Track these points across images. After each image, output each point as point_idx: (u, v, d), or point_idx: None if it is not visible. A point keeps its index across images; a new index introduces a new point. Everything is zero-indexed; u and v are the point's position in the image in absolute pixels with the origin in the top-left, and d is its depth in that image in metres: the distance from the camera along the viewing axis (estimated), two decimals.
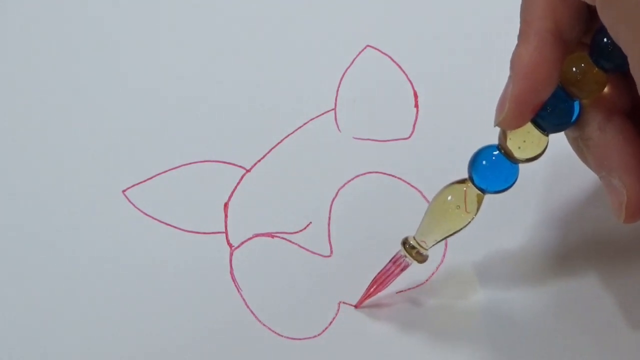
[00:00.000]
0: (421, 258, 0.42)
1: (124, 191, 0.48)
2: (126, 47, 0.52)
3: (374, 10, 0.52)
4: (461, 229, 0.41)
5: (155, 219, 0.47)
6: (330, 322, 0.44)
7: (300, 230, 0.46)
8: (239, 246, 0.46)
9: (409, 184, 0.47)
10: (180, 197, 0.47)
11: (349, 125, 0.49)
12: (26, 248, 0.46)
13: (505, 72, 0.49)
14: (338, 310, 0.44)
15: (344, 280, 0.45)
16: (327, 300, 0.44)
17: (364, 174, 0.48)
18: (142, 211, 0.47)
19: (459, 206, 0.40)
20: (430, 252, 0.42)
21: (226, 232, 0.46)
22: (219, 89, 0.50)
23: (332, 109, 0.49)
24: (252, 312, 0.44)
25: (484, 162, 0.39)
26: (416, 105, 0.49)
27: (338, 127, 0.49)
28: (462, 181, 0.40)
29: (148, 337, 0.44)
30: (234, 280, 0.45)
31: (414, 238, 0.42)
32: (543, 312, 0.43)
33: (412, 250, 0.42)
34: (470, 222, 0.41)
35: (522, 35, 0.36)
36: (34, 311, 0.45)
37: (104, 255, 0.46)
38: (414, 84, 0.50)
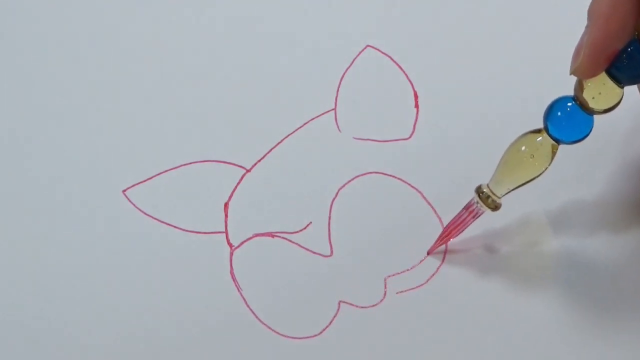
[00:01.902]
0: (494, 205, 0.42)
1: (124, 191, 0.48)
2: (126, 48, 0.51)
3: (374, 10, 0.52)
4: (534, 178, 0.41)
5: (155, 219, 0.47)
6: (331, 322, 0.44)
7: (301, 230, 0.46)
8: (239, 246, 0.46)
9: (408, 184, 0.47)
10: (180, 197, 0.47)
11: (349, 125, 0.49)
12: (26, 248, 0.46)
13: (506, 72, 0.50)
14: (338, 309, 0.44)
15: (344, 279, 0.45)
16: (327, 299, 0.44)
17: (364, 174, 0.48)
18: (142, 211, 0.47)
19: (532, 155, 0.40)
20: (430, 252, 0.42)
21: (226, 232, 0.46)
22: (219, 89, 0.50)
23: (332, 109, 0.49)
24: (252, 311, 0.44)
25: (559, 113, 0.39)
26: (416, 105, 0.49)
27: (338, 127, 0.49)
28: (537, 131, 0.40)
29: (148, 336, 0.44)
30: (234, 279, 0.45)
31: (487, 186, 0.42)
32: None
33: (486, 198, 0.42)
34: (544, 171, 0.41)
35: None
36: (34, 311, 0.45)
37: (104, 255, 0.46)
38: (414, 84, 0.50)
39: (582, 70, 0.37)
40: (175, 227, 0.47)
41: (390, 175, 0.47)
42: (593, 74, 0.37)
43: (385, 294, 0.44)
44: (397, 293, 0.44)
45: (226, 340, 0.44)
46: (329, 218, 0.46)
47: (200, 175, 0.48)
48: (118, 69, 0.51)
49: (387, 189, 0.47)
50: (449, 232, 0.44)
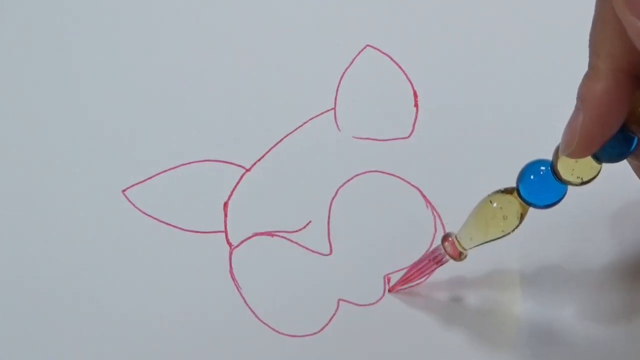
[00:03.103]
0: (459, 257, 0.42)
1: (124, 191, 0.48)
2: (126, 47, 0.52)
3: (374, 10, 0.52)
4: (502, 237, 0.40)
5: (155, 219, 0.47)
6: (330, 320, 0.44)
7: (300, 229, 0.46)
8: (238, 245, 0.46)
9: (408, 183, 0.47)
10: (180, 196, 0.47)
11: (349, 124, 0.49)
12: (26, 248, 0.46)
13: (505, 72, 0.50)
14: (337, 307, 0.44)
15: (344, 278, 0.45)
16: (327, 298, 0.44)
17: (364, 173, 0.48)
18: (142, 211, 0.47)
19: (503, 214, 0.40)
20: (391, 290, 0.42)
21: (226, 231, 0.46)
22: (219, 89, 0.50)
23: (332, 109, 0.49)
24: (251, 310, 0.44)
25: (531, 177, 0.39)
26: (416, 105, 0.49)
27: (338, 126, 0.49)
28: (509, 191, 0.40)
29: (148, 335, 0.44)
30: (233, 279, 0.45)
31: (456, 237, 0.41)
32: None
33: (451, 248, 0.42)
34: (512, 231, 0.40)
35: (593, 69, 0.36)
36: (34, 311, 0.45)
37: (104, 255, 0.46)
38: (413, 83, 0.50)
39: (576, 155, 0.37)
40: (175, 226, 0.47)
41: (390, 174, 0.47)
42: (585, 156, 0.37)
43: (384, 292, 0.44)
44: (396, 291, 0.44)
45: (226, 339, 0.44)
46: (329, 217, 0.46)
47: (200, 174, 0.48)
48: (118, 69, 0.51)
49: (387, 188, 0.47)
50: (411, 274, 0.43)
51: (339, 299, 0.44)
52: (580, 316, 0.44)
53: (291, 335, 0.44)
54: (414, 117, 0.49)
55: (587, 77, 0.36)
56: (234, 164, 0.48)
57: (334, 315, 0.44)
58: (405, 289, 0.44)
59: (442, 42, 0.51)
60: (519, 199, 0.39)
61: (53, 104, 0.50)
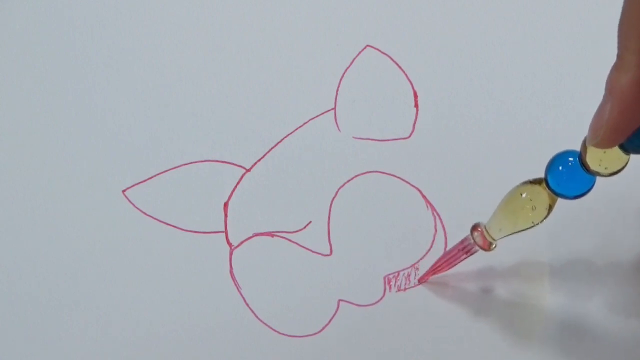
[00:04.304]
0: (488, 248, 0.42)
1: (124, 191, 0.48)
2: (127, 48, 0.52)
3: (374, 10, 0.52)
4: (530, 227, 0.41)
5: (155, 219, 0.47)
6: (330, 320, 0.44)
7: (300, 230, 0.46)
8: (238, 245, 0.46)
9: (408, 183, 0.47)
10: (180, 197, 0.47)
11: (349, 125, 0.49)
12: (26, 248, 0.46)
13: (506, 72, 0.50)
14: (337, 308, 0.44)
15: (344, 278, 0.45)
16: (327, 298, 0.44)
17: (364, 173, 0.48)
18: (142, 211, 0.47)
19: (531, 205, 0.40)
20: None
21: (226, 232, 0.46)
22: (219, 89, 0.50)
23: (332, 109, 0.49)
24: (251, 310, 0.44)
25: (560, 167, 0.39)
26: (416, 105, 0.49)
27: (338, 126, 0.49)
28: (538, 181, 0.40)
29: (148, 335, 0.44)
30: (233, 279, 0.45)
31: (485, 228, 0.42)
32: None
33: (480, 238, 0.42)
34: (540, 222, 0.40)
35: (622, 61, 0.36)
36: (34, 310, 0.45)
37: (104, 255, 0.46)
38: (413, 83, 0.50)
39: (602, 145, 0.37)
40: (175, 226, 0.47)
41: (390, 175, 0.47)
42: (611, 146, 0.37)
43: (384, 292, 0.44)
44: (396, 291, 0.44)
45: (226, 339, 0.44)
46: (329, 217, 0.46)
47: (200, 175, 0.48)
48: (118, 69, 0.51)
49: (387, 188, 0.47)
50: (440, 264, 0.44)
51: (339, 299, 0.44)
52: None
53: (291, 336, 0.44)
54: (414, 117, 0.49)
55: (615, 68, 0.36)
56: (234, 164, 0.48)
57: (334, 315, 0.44)
58: (427, 278, 0.45)
59: (442, 42, 0.51)
60: (547, 189, 0.39)
61: (53, 105, 0.50)
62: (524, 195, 0.40)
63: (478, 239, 0.42)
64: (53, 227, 0.47)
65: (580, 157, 0.38)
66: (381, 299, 0.44)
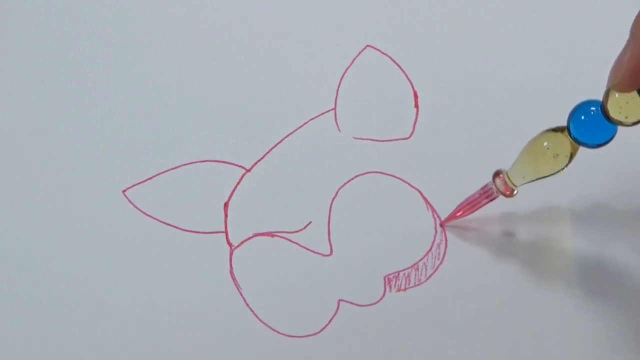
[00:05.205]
0: (510, 193, 0.43)
1: (124, 191, 0.48)
2: (127, 48, 0.52)
3: (374, 10, 0.52)
4: (552, 174, 0.41)
5: (155, 219, 0.47)
6: (330, 320, 0.44)
7: (300, 230, 0.46)
8: (239, 245, 0.46)
9: (408, 183, 0.47)
10: (180, 197, 0.47)
11: (349, 125, 0.49)
12: (26, 248, 0.46)
13: (505, 73, 0.50)
14: (338, 308, 0.44)
15: (344, 278, 0.45)
16: (327, 298, 0.44)
17: (364, 173, 0.48)
18: (142, 211, 0.47)
19: (554, 152, 0.41)
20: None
21: (226, 232, 0.46)
22: (219, 89, 0.50)
23: (332, 109, 0.49)
24: (252, 310, 0.44)
25: (582, 117, 0.40)
26: (416, 105, 0.49)
27: (338, 127, 0.49)
28: (560, 129, 0.41)
29: (148, 335, 0.44)
30: (233, 279, 0.45)
31: (506, 173, 0.42)
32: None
33: (502, 184, 0.43)
34: (562, 169, 0.41)
35: None
36: (34, 310, 0.45)
37: (104, 255, 0.46)
38: (414, 84, 0.50)
39: (621, 86, 0.38)
40: (175, 227, 0.47)
41: (390, 175, 0.47)
42: (630, 90, 0.38)
43: (384, 292, 0.44)
44: (396, 292, 0.44)
45: (226, 340, 0.44)
46: (329, 217, 0.46)
47: (200, 175, 0.48)
48: (118, 69, 0.51)
49: (387, 188, 0.47)
50: (461, 208, 0.45)
51: (339, 299, 0.44)
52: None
53: (292, 336, 0.44)
54: (414, 117, 0.49)
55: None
56: (234, 164, 0.48)
57: (334, 315, 0.44)
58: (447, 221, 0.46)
59: (442, 43, 0.51)
60: (569, 137, 0.40)
61: (53, 105, 0.50)
62: (545, 144, 0.41)
63: (500, 185, 0.43)
64: (53, 227, 0.47)
65: (602, 106, 0.39)
66: (381, 299, 0.44)
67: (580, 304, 0.44)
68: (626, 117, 0.38)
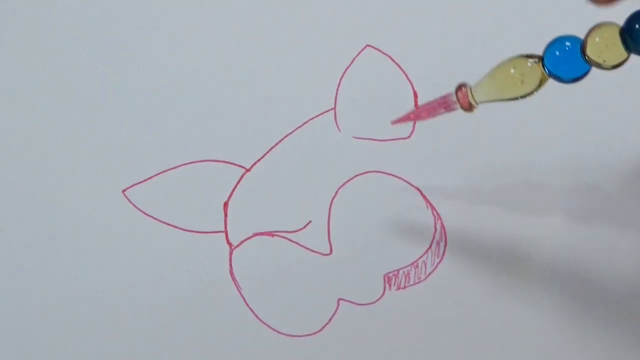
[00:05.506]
0: (469, 108, 0.42)
1: (124, 191, 0.48)
2: (127, 48, 0.52)
3: (374, 10, 0.52)
4: (515, 98, 0.41)
5: (155, 219, 0.47)
6: (330, 319, 0.44)
7: (300, 229, 0.46)
8: (238, 245, 0.46)
9: (408, 183, 0.47)
10: (180, 196, 0.47)
11: (349, 125, 0.49)
12: (27, 247, 0.46)
13: None
14: (337, 307, 0.44)
15: (344, 278, 0.45)
16: (327, 297, 0.44)
17: (364, 173, 0.48)
18: (142, 211, 0.47)
19: (521, 76, 0.40)
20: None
21: (226, 231, 0.46)
22: (219, 89, 0.50)
23: (332, 109, 0.49)
24: (251, 310, 0.44)
25: (558, 51, 0.39)
26: (416, 105, 0.49)
27: (338, 126, 0.49)
28: (534, 57, 0.40)
29: (148, 335, 0.44)
30: (233, 278, 0.45)
31: (470, 88, 0.41)
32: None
33: (462, 97, 0.41)
34: (526, 96, 0.40)
35: None
36: (34, 310, 0.45)
37: (104, 255, 0.46)
38: (414, 84, 0.50)
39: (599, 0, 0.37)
40: (175, 226, 0.47)
41: (390, 175, 0.47)
42: (608, 3, 0.37)
43: (384, 291, 0.44)
44: (396, 290, 0.44)
45: (226, 339, 0.44)
46: (329, 217, 0.46)
47: (200, 175, 0.48)
48: (118, 69, 0.51)
49: (387, 188, 0.47)
50: (418, 111, 0.43)
51: (339, 299, 0.44)
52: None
53: (291, 335, 0.44)
54: None
55: None
56: (234, 164, 0.48)
57: (334, 314, 0.44)
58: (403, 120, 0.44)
59: (442, 43, 0.51)
60: (542, 68, 0.40)
61: (53, 105, 0.50)
62: (515, 68, 0.40)
63: (461, 98, 0.41)
64: (53, 226, 0.47)
65: (583, 44, 0.38)
66: (381, 297, 0.44)
67: (580, 304, 0.44)
68: (604, 61, 0.38)
